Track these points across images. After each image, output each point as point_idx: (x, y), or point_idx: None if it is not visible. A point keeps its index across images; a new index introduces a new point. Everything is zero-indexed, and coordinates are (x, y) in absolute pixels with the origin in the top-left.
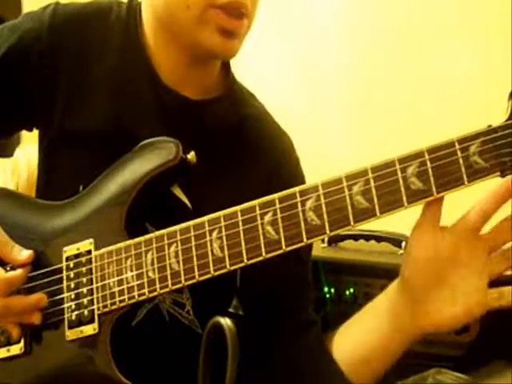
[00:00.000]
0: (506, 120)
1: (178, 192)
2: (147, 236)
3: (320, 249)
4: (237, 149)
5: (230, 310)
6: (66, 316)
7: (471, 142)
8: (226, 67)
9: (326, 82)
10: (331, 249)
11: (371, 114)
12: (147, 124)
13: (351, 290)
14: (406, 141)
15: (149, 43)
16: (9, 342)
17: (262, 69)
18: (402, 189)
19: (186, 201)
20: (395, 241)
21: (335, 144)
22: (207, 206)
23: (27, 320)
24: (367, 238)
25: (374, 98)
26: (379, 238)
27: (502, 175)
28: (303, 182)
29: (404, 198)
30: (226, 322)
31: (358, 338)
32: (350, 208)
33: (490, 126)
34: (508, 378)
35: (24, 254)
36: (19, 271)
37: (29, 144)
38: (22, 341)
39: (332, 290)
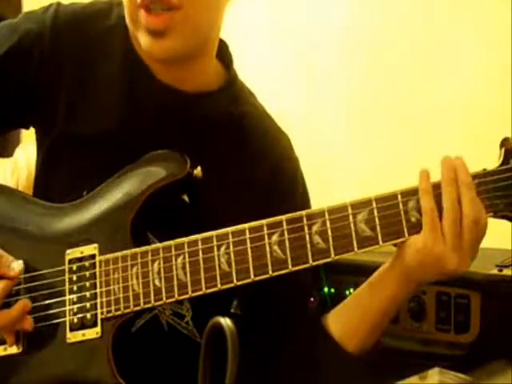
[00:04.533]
0: (499, 166)
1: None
2: (154, 246)
3: None
4: (236, 146)
5: (231, 310)
6: (67, 318)
7: None
8: (225, 63)
9: (326, 83)
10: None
11: (371, 114)
12: (148, 121)
13: (351, 290)
14: (406, 142)
15: None
16: (5, 341)
17: (262, 69)
18: (404, 221)
19: (186, 198)
20: None
21: (335, 144)
22: (207, 203)
23: (19, 328)
24: None
25: (374, 98)
26: None
27: (496, 216)
28: (303, 182)
29: (405, 230)
30: (226, 322)
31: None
32: (354, 235)
33: (484, 169)
34: (508, 378)
35: (13, 268)
36: (4, 284)
37: (29, 144)
38: (21, 340)
39: (332, 290)
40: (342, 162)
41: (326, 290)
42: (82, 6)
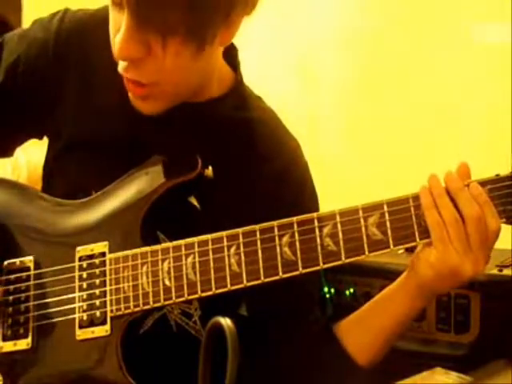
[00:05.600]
0: None
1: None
2: (164, 245)
3: None
4: (243, 151)
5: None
6: (76, 315)
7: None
8: (233, 66)
9: (326, 83)
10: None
11: (371, 115)
12: (155, 130)
13: (351, 290)
14: (406, 141)
15: None
16: (16, 336)
17: (263, 70)
18: (415, 225)
19: (196, 203)
20: None
21: (334, 145)
22: (215, 207)
23: None
24: None
25: (375, 99)
26: None
27: (508, 222)
28: (312, 188)
29: (416, 234)
30: (226, 322)
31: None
32: (365, 238)
33: (497, 174)
34: (508, 378)
35: None
36: None
37: (29, 144)
38: (30, 336)
39: (332, 290)
40: (342, 164)
41: (325, 289)
42: (89, 13)
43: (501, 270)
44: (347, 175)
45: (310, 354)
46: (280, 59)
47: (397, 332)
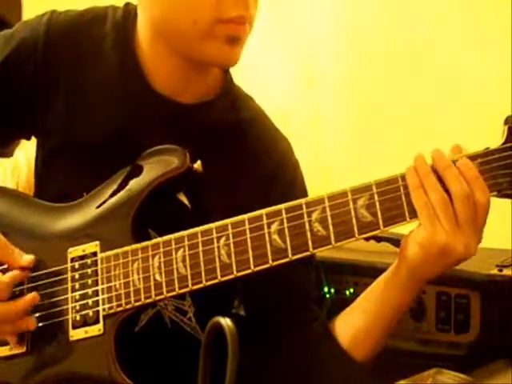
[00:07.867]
0: (502, 144)
1: (181, 194)
2: (154, 240)
3: None
4: (235, 151)
5: (232, 310)
6: (69, 316)
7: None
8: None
9: (327, 85)
10: (331, 249)
11: (371, 116)
12: (147, 133)
13: (351, 290)
14: (406, 142)
15: (143, 50)
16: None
17: (263, 72)
18: (404, 204)
19: (187, 202)
20: (395, 241)
21: (335, 145)
22: (206, 207)
23: (22, 327)
24: (367, 237)
25: (374, 100)
26: (379, 238)
27: (499, 195)
28: (303, 186)
29: (406, 214)
30: (225, 322)
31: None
32: (354, 221)
33: (487, 148)
34: (508, 377)
35: (25, 258)
36: (16, 272)
37: (29, 144)
38: (25, 340)
39: (332, 290)
40: (345, 163)
41: (325, 289)
42: (77, 13)
43: (501, 270)
44: (350, 175)
45: (309, 353)
46: (282, 60)
47: (390, 321)
